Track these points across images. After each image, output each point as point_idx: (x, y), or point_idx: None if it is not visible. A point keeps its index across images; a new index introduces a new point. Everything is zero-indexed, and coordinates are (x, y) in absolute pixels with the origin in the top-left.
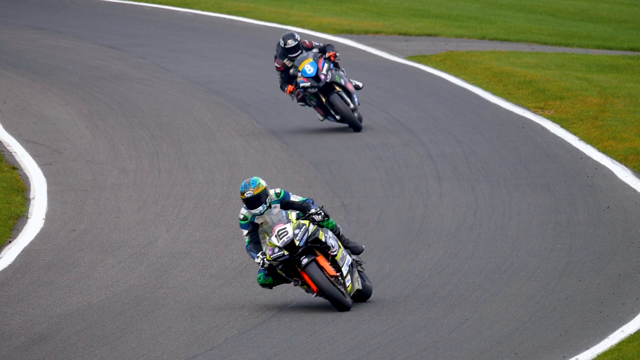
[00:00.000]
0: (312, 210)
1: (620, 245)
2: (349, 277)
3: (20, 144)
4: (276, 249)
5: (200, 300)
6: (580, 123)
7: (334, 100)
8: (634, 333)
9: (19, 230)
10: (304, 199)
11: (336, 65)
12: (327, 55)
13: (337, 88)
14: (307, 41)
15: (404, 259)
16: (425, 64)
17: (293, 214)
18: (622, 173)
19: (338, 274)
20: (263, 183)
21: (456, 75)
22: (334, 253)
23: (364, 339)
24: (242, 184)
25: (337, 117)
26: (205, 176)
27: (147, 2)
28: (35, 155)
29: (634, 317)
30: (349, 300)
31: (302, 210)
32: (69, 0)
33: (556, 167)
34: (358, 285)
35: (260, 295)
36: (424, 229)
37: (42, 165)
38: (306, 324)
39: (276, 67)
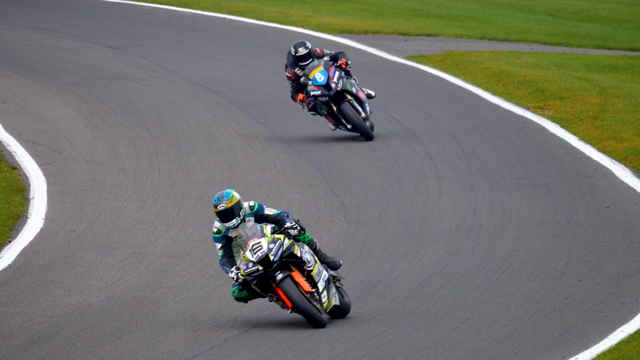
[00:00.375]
0: (288, 224)
1: (620, 245)
2: (325, 293)
3: (20, 144)
4: (250, 264)
5: (200, 300)
6: (580, 123)
7: (344, 109)
8: (634, 333)
9: (18, 230)
10: (279, 212)
11: (348, 74)
12: (338, 63)
13: (349, 96)
14: (318, 49)
15: (403, 258)
16: (425, 63)
17: (268, 228)
18: (622, 173)
19: (314, 289)
20: (237, 195)
21: (456, 75)
22: (310, 268)
23: (364, 339)
24: (216, 196)
25: (349, 126)
26: (205, 176)
27: (147, 2)
28: (35, 155)
29: (633, 317)
30: (324, 316)
31: (277, 223)
32: (69, 0)
33: (556, 167)
34: (335, 302)
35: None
36: (423, 229)
37: (41, 165)
38: (306, 324)
39: (287, 76)
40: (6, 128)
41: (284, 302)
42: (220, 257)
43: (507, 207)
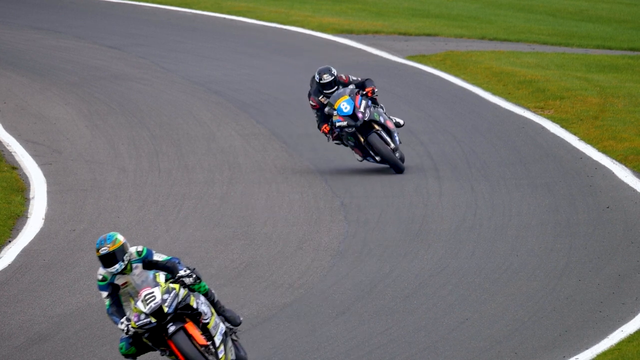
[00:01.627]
0: (182, 273)
1: (620, 245)
2: (222, 347)
3: (20, 144)
4: (142, 316)
5: None
6: (580, 123)
7: (372, 141)
8: (634, 333)
9: (18, 230)
10: (169, 257)
11: (374, 102)
12: (364, 91)
13: (376, 127)
14: (343, 75)
15: (403, 258)
16: (425, 63)
17: (161, 276)
18: (622, 173)
19: (209, 342)
20: (121, 239)
21: (456, 75)
22: (206, 321)
23: (364, 339)
24: (98, 239)
25: (377, 158)
26: (205, 176)
27: (147, 2)
28: (35, 155)
29: (633, 317)
30: None
31: (168, 271)
32: (68, 0)
33: (556, 167)
34: (232, 356)
35: (260, 295)
36: (424, 229)
37: (41, 165)
38: (306, 324)
39: (311, 105)
40: (6, 128)
41: (177, 357)
42: (107, 307)
43: (508, 207)
